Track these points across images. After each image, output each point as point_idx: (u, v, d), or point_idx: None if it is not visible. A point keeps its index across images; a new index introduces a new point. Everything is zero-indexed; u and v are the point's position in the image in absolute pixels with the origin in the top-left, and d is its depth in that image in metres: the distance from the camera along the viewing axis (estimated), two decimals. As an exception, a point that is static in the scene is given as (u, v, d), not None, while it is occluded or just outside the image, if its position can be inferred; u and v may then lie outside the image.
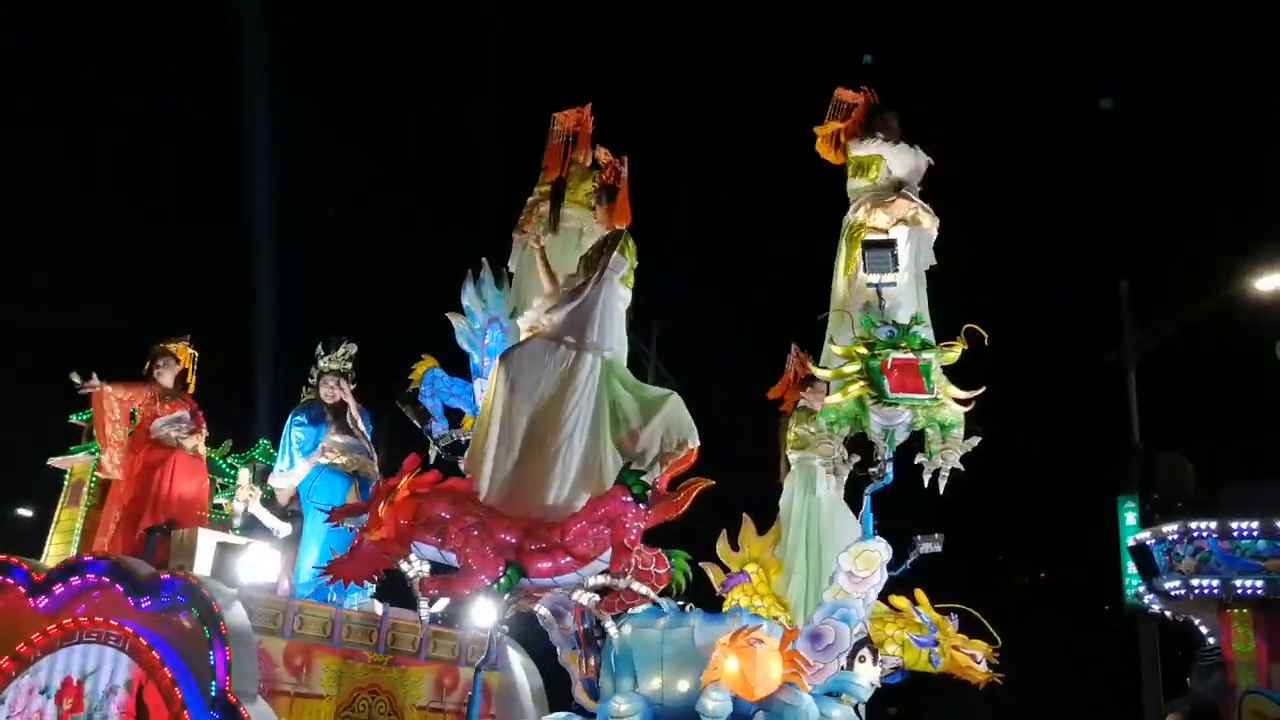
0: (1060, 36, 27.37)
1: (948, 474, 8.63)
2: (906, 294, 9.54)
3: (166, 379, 10.88)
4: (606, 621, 8.06)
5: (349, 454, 10.64)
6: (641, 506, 7.69)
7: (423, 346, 10.59)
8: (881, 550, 8.27)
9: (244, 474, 10.63)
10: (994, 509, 22.12)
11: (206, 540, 9.67)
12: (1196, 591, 10.37)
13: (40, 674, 9.45)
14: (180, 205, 26.58)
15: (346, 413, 10.78)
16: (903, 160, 9.98)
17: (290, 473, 10.61)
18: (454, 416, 10.39)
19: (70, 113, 25.97)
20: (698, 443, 8.38)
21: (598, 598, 8.05)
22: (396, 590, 8.55)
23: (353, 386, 10.91)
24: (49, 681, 9.37)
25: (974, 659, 9.90)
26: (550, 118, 10.66)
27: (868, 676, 8.21)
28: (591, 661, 8.38)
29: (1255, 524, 10.14)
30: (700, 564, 10.32)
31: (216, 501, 11.17)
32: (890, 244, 9.27)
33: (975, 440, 8.71)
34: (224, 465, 11.52)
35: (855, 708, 8.03)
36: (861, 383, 8.72)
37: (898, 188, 9.88)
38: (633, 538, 7.66)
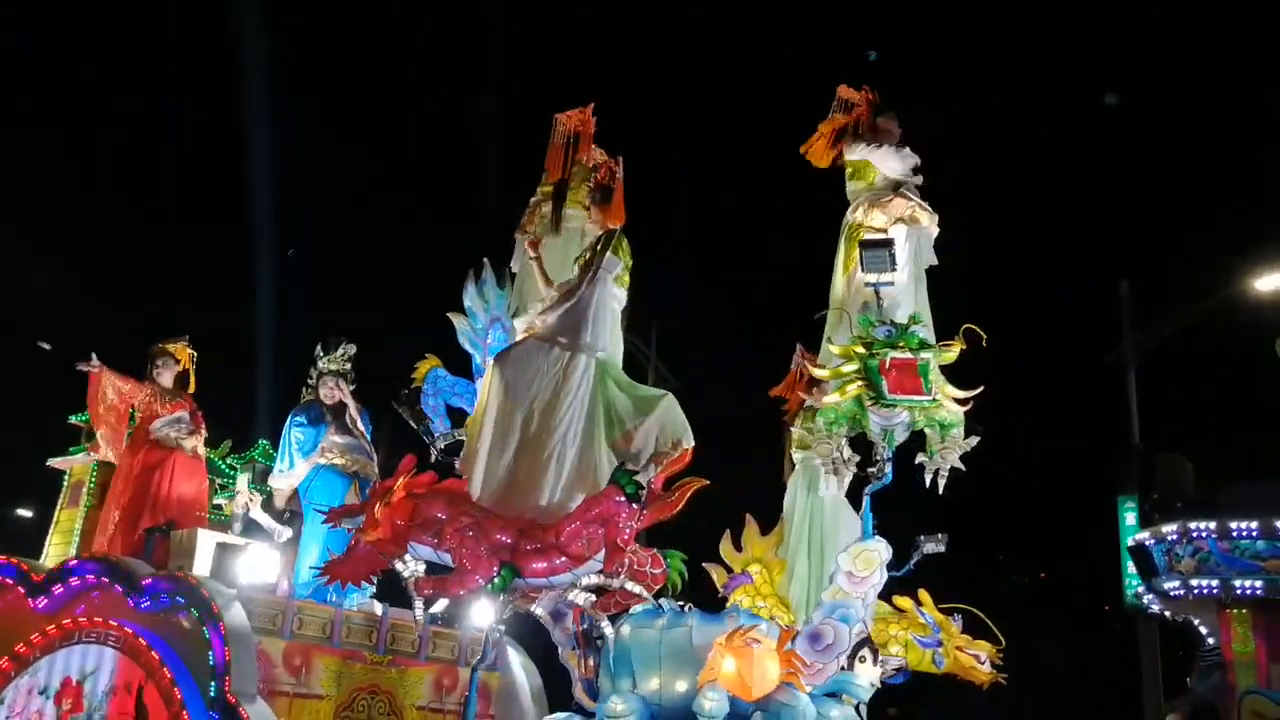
0: (1060, 36, 27.37)
1: (947, 473, 8.61)
2: (905, 293, 9.52)
3: (166, 379, 10.91)
4: (603, 621, 8.07)
5: (348, 454, 10.64)
6: (635, 506, 7.68)
7: (422, 346, 10.58)
8: (881, 550, 8.25)
9: (242, 480, 10.63)
10: (994, 509, 22.13)
11: (206, 541, 9.68)
12: (1196, 592, 10.37)
13: (39, 674, 9.46)
14: (180, 205, 26.59)
15: (346, 413, 10.79)
16: (891, 165, 10.02)
17: (290, 473, 10.62)
18: (457, 417, 10.38)
19: (70, 113, 25.97)
20: (692, 442, 8.38)
21: (594, 598, 8.05)
22: (396, 590, 8.55)
23: (352, 387, 10.91)
24: (48, 682, 9.38)
25: (978, 660, 9.88)
26: (552, 118, 10.65)
27: (868, 676, 8.20)
28: (590, 662, 8.38)
29: (1254, 524, 10.14)
30: (703, 564, 10.33)
31: (216, 502, 11.18)
32: (888, 243, 9.26)
33: (974, 440, 8.69)
34: (223, 466, 11.52)
35: (856, 708, 8.01)
36: (859, 382, 8.71)
37: (896, 187, 9.88)
38: (626, 537, 7.66)
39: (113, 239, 23.88)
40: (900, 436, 8.76)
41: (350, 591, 9.42)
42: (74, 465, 11.06)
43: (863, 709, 8.26)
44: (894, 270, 9.23)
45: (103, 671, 9.10)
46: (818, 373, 9.40)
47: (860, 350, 8.74)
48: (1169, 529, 10.54)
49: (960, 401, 8.74)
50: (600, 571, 7.80)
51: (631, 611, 8.22)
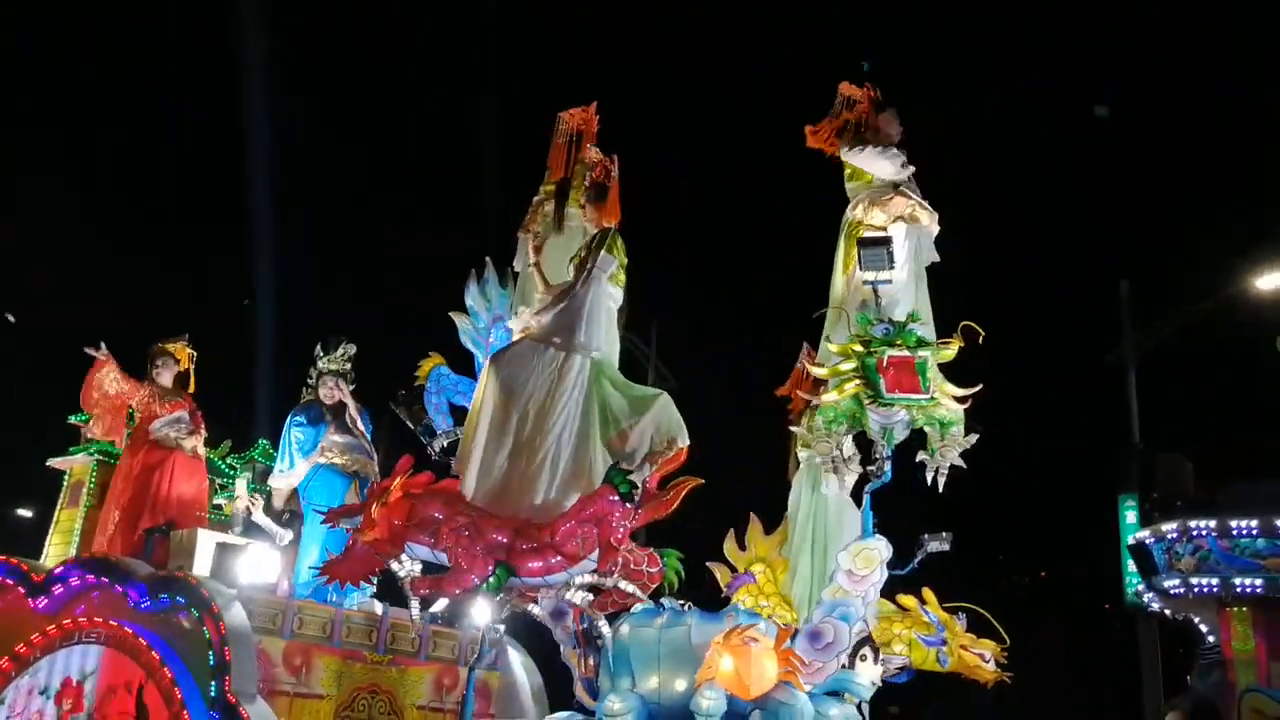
0: (1060, 36, 27.37)
1: (946, 471, 8.61)
2: (905, 291, 9.52)
3: (165, 379, 10.90)
4: (600, 621, 8.07)
5: (348, 454, 10.64)
6: (628, 506, 7.69)
7: (423, 346, 10.59)
8: (881, 549, 8.25)
9: (240, 486, 10.64)
10: (994, 509, 22.12)
11: (206, 541, 9.68)
12: (1196, 590, 10.37)
13: (40, 674, 9.44)
14: (180, 205, 26.60)
15: (346, 413, 10.79)
16: (878, 167, 10.04)
17: (289, 473, 10.62)
18: (460, 415, 10.38)
19: (70, 113, 25.98)
20: (687, 441, 8.38)
21: (591, 597, 8.06)
22: (396, 590, 8.56)
23: (352, 387, 10.91)
24: (48, 682, 9.37)
25: (982, 658, 9.88)
26: (555, 117, 10.65)
27: (869, 675, 8.19)
28: (591, 661, 8.38)
29: (1254, 523, 10.13)
30: (708, 564, 10.34)
31: (216, 502, 11.18)
32: (885, 241, 9.26)
33: (974, 437, 8.69)
34: (223, 466, 11.52)
35: (858, 706, 8.00)
36: (857, 381, 8.72)
37: (896, 185, 9.88)
38: (619, 536, 7.66)
39: (113, 239, 23.89)
40: (900, 435, 8.76)
41: (350, 591, 9.42)
42: (74, 465, 11.06)
43: (865, 708, 8.25)
44: (892, 268, 9.23)
45: (101, 672, 9.10)
46: (816, 371, 9.40)
47: (858, 348, 8.74)
48: (1169, 528, 10.54)
49: (959, 400, 8.73)
50: (594, 571, 7.81)
51: (633, 610, 8.23)
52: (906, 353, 8.62)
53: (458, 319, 10.34)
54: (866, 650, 8.34)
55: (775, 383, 10.82)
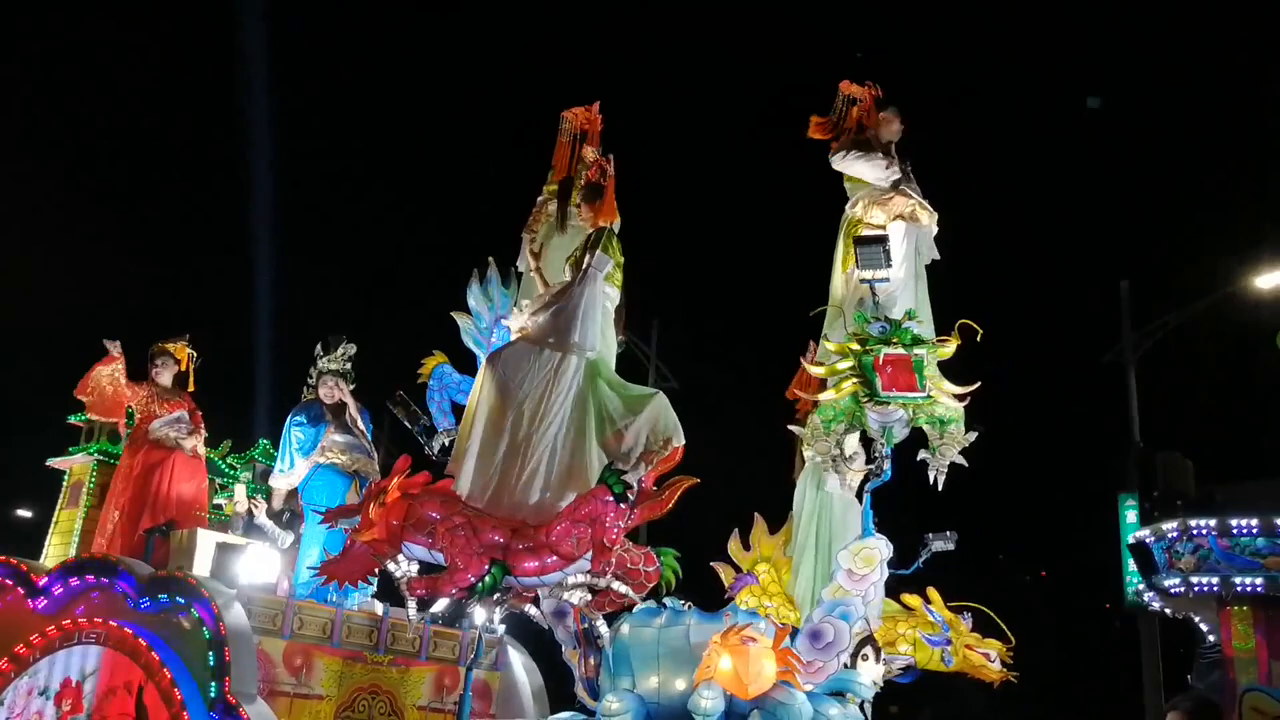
0: (1061, 36, 27.39)
1: (945, 469, 8.61)
2: (904, 290, 9.53)
3: (165, 379, 10.90)
4: (598, 621, 8.07)
5: (349, 453, 10.63)
6: (622, 506, 7.68)
7: (423, 346, 10.58)
8: (881, 548, 8.24)
9: (240, 489, 10.63)
10: (994, 507, 22.14)
11: (206, 541, 9.68)
12: (1196, 589, 10.34)
13: (39, 675, 9.43)
14: (180, 205, 26.62)
15: (346, 412, 10.78)
16: (863, 173, 10.08)
17: (290, 473, 10.61)
18: (462, 414, 10.37)
19: (70, 111, 26.00)
20: (682, 441, 8.36)
21: (589, 596, 8.06)
22: (397, 590, 8.56)
23: (352, 386, 10.90)
24: (48, 682, 9.36)
25: (987, 658, 9.87)
26: (559, 116, 10.63)
27: (870, 675, 8.18)
28: (592, 661, 8.38)
29: (1255, 521, 10.11)
30: (712, 564, 10.33)
31: (216, 502, 11.18)
32: (882, 240, 9.26)
33: (973, 435, 8.69)
34: (224, 465, 11.52)
35: (860, 706, 7.99)
36: (855, 379, 8.72)
37: (896, 184, 9.88)
38: (613, 537, 7.66)
39: (112, 239, 23.92)
40: (899, 433, 8.76)
41: (350, 591, 9.42)
42: (74, 465, 11.07)
43: (867, 707, 8.24)
44: (889, 266, 9.24)
45: (101, 672, 9.09)
46: (813, 370, 9.41)
47: (855, 347, 8.75)
48: (1169, 526, 10.52)
49: (958, 397, 8.73)
50: (588, 571, 7.81)
51: (634, 610, 8.22)
52: (903, 351, 8.63)
53: (460, 319, 10.33)
54: (868, 650, 8.34)
55: (776, 381, 10.82)
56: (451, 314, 10.25)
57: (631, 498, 7.74)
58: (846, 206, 10.18)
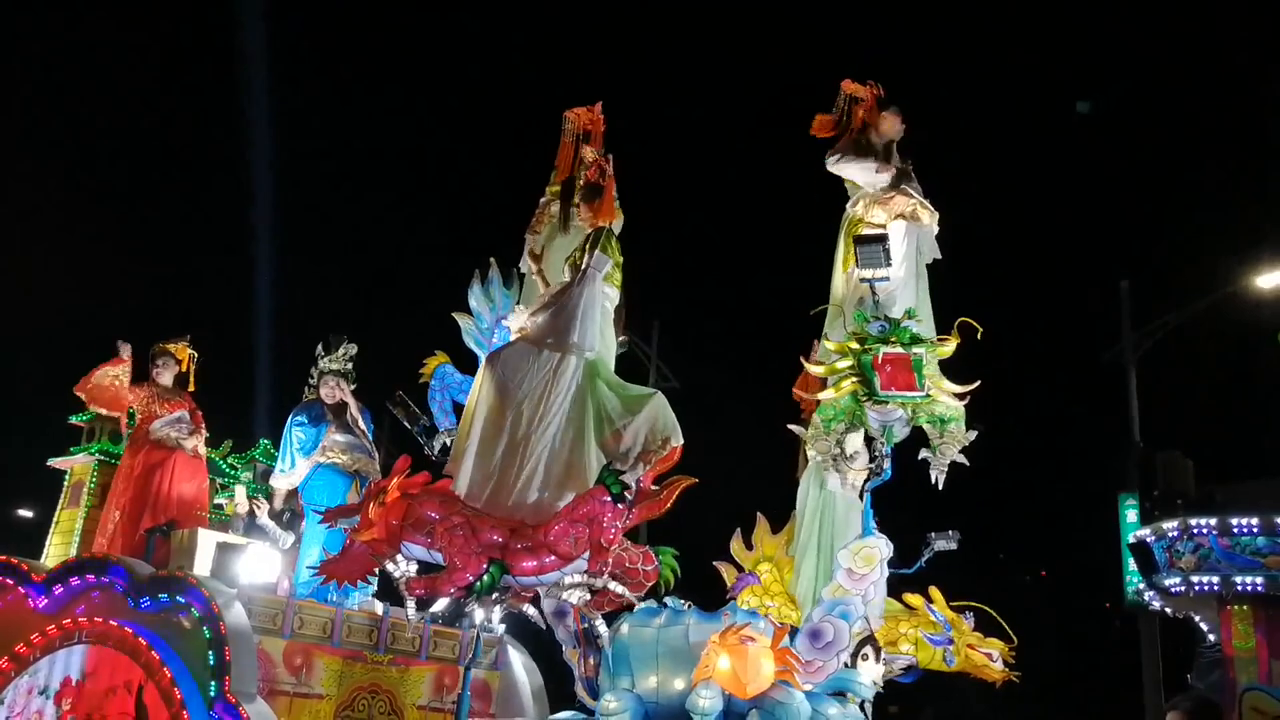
0: (1060, 36, 27.41)
1: (945, 468, 8.61)
2: (904, 289, 9.53)
3: (165, 379, 10.91)
4: (597, 620, 8.08)
5: (350, 453, 10.63)
6: (620, 506, 7.69)
7: (424, 346, 10.59)
8: (881, 547, 8.24)
9: (240, 491, 10.62)
10: (994, 507, 22.15)
11: (206, 541, 9.68)
12: (1197, 588, 10.34)
13: (39, 674, 9.44)
14: (180, 205, 26.64)
15: (347, 412, 10.78)
16: (854, 176, 10.09)
17: (290, 472, 10.61)
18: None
19: (70, 111, 26.01)
20: (681, 441, 8.36)
21: (587, 596, 8.06)
22: (397, 590, 8.56)
23: (353, 386, 10.91)
24: (48, 682, 9.36)
25: (990, 658, 9.87)
26: (561, 116, 10.62)
27: (870, 674, 8.18)
28: (592, 660, 8.38)
29: (1255, 520, 10.11)
30: (714, 563, 10.33)
31: (217, 502, 11.18)
32: (881, 239, 9.27)
33: (973, 434, 8.69)
34: (224, 465, 11.52)
35: (861, 705, 7.99)
36: (854, 378, 8.72)
37: (896, 184, 9.89)
38: (610, 536, 7.66)
39: (112, 239, 23.93)
40: (899, 433, 8.77)
41: (350, 591, 9.43)
42: (74, 465, 11.07)
43: (867, 707, 8.24)
44: (889, 265, 9.24)
45: (100, 671, 9.08)
46: (813, 369, 9.41)
47: (854, 346, 8.75)
48: (1170, 526, 10.52)
49: (958, 396, 8.73)
50: (585, 571, 7.81)
51: (634, 610, 8.22)
52: (902, 350, 8.63)
53: (461, 320, 10.34)
54: (868, 649, 8.34)
55: (777, 381, 10.82)
56: (453, 314, 10.26)
57: (629, 498, 7.75)
58: (847, 205, 10.19)
